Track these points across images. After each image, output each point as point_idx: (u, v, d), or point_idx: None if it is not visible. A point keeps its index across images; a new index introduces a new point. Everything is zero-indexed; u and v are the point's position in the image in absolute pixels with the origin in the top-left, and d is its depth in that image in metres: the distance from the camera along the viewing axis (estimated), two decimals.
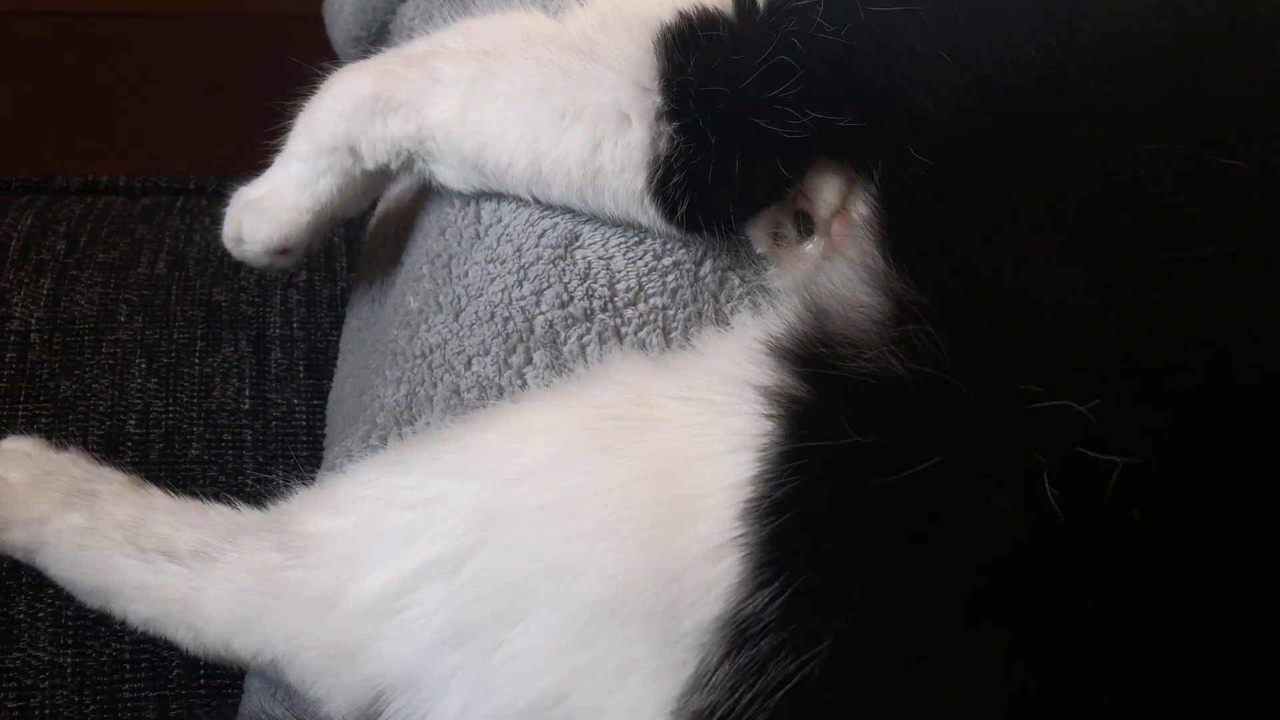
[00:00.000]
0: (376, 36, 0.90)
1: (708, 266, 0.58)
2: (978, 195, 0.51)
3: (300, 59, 0.66)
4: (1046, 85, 0.52)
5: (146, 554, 0.57)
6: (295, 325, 0.80)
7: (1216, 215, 0.46)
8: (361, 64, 0.63)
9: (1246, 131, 0.49)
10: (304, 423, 0.74)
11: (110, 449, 0.73)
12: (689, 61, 0.55)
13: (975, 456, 0.42)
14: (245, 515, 0.58)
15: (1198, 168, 0.47)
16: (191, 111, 1.51)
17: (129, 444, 0.72)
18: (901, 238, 0.51)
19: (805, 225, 0.57)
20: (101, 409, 0.75)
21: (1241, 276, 0.44)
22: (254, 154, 0.68)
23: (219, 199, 0.70)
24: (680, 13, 0.56)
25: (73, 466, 0.62)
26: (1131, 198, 0.48)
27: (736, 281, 0.58)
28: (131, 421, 0.73)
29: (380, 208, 0.76)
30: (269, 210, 0.65)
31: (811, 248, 0.56)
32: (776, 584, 0.44)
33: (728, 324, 0.56)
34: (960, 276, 0.49)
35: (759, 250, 0.58)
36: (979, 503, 0.41)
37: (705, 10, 0.56)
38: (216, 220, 0.69)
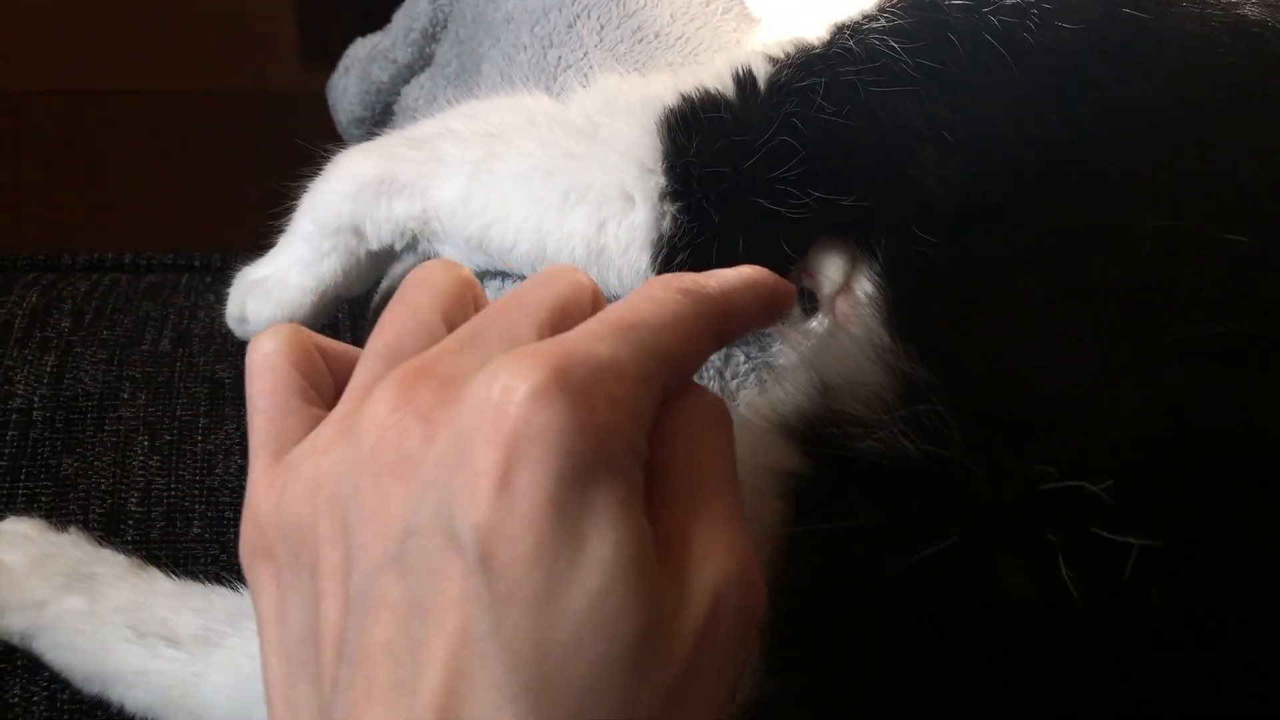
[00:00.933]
0: (380, 117, 0.91)
1: None
2: (984, 271, 0.51)
3: (307, 138, 0.66)
4: (1048, 162, 0.53)
5: (146, 639, 0.56)
6: None
7: (1225, 291, 0.46)
8: (366, 146, 0.64)
9: (1251, 207, 0.50)
10: None
11: (111, 528, 0.72)
12: (691, 143, 0.55)
13: (989, 538, 0.41)
14: (247, 599, 0.57)
15: (1203, 242, 0.47)
16: (198, 188, 1.53)
17: (130, 522, 0.72)
18: (907, 315, 0.52)
19: (810, 302, 0.57)
20: (103, 487, 0.74)
21: (1253, 353, 0.44)
22: (260, 232, 0.69)
23: (224, 276, 0.71)
24: (682, 95, 0.57)
25: (72, 549, 0.62)
26: (1138, 273, 0.49)
27: (742, 358, 0.58)
28: (133, 499, 0.73)
29: (384, 285, 0.77)
30: (273, 291, 0.66)
31: (817, 325, 0.57)
32: (786, 673, 0.43)
33: (734, 402, 0.56)
34: (968, 354, 0.49)
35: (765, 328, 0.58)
36: (994, 586, 0.41)
37: (707, 92, 0.57)
38: (221, 297, 0.70)
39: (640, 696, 0.32)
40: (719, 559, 0.35)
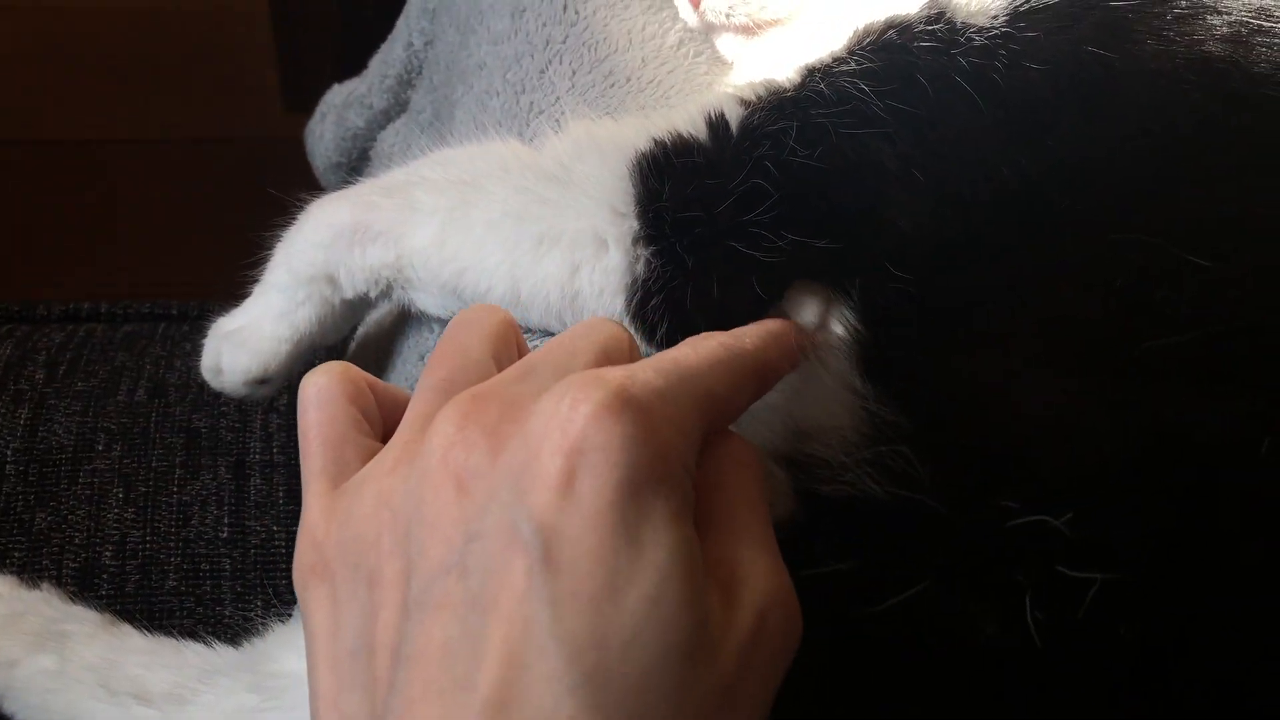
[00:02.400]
0: (356, 164, 0.92)
1: None
2: (955, 311, 0.52)
3: (288, 183, 0.66)
4: (1018, 201, 0.53)
5: (118, 696, 0.56)
6: (276, 450, 0.79)
7: (1196, 311, 0.47)
8: (340, 194, 0.64)
9: (1219, 239, 0.50)
10: (283, 549, 0.73)
11: (85, 583, 0.71)
12: (664, 187, 0.56)
13: (958, 582, 0.41)
14: (220, 654, 0.56)
15: (1175, 269, 0.48)
16: (178, 236, 1.53)
17: (105, 576, 0.71)
18: (878, 357, 0.52)
19: None
20: (77, 540, 0.73)
21: (1225, 370, 0.44)
22: (238, 280, 0.69)
23: (201, 325, 0.70)
24: (654, 139, 0.57)
25: (44, 606, 0.61)
26: (1108, 305, 0.49)
27: None
28: (108, 553, 0.72)
29: (360, 331, 0.76)
30: (248, 341, 0.65)
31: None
32: None
33: None
34: (937, 394, 0.49)
35: None
36: (967, 631, 0.40)
37: (680, 136, 0.57)
38: (198, 347, 0.69)
39: (689, 697, 0.33)
40: (763, 580, 0.37)
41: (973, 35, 0.56)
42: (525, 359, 0.42)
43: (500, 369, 0.42)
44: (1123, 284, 0.49)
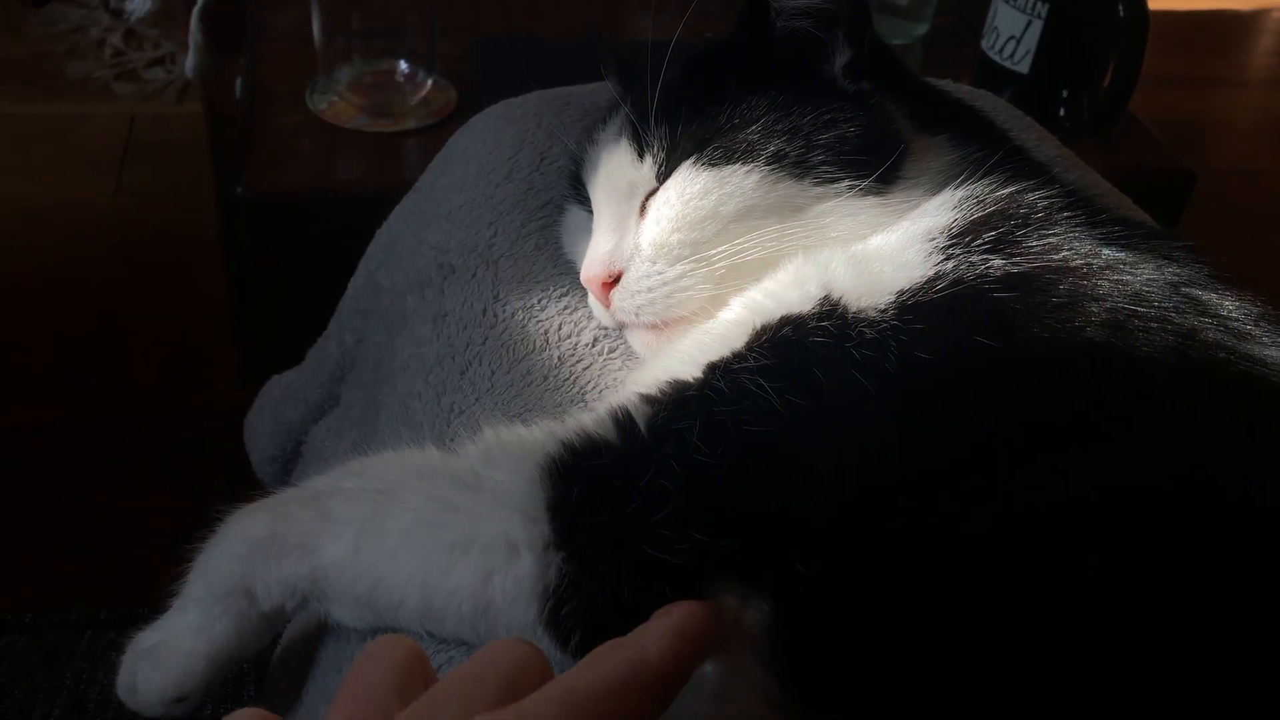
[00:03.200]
0: (291, 456, 0.92)
1: None
2: (859, 609, 0.52)
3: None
4: (913, 487, 0.54)
5: None
6: None
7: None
8: (258, 505, 0.64)
9: (1092, 515, 0.52)
10: None
11: None
12: (573, 491, 0.56)
13: None
14: None
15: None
16: (119, 529, 1.50)
17: None
18: (789, 654, 0.51)
19: None
20: None
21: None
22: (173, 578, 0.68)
23: (129, 632, 0.68)
24: (563, 443, 0.58)
25: None
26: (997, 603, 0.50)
27: None
28: None
29: (286, 635, 0.75)
30: (164, 659, 0.63)
31: (711, 666, 0.55)
32: None
33: None
34: (843, 693, 0.49)
35: None
36: None
37: (589, 438, 0.58)
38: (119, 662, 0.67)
39: None
40: None
41: (864, 329, 0.59)
42: (429, 693, 0.42)
43: (406, 703, 0.42)
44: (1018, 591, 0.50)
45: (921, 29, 1.68)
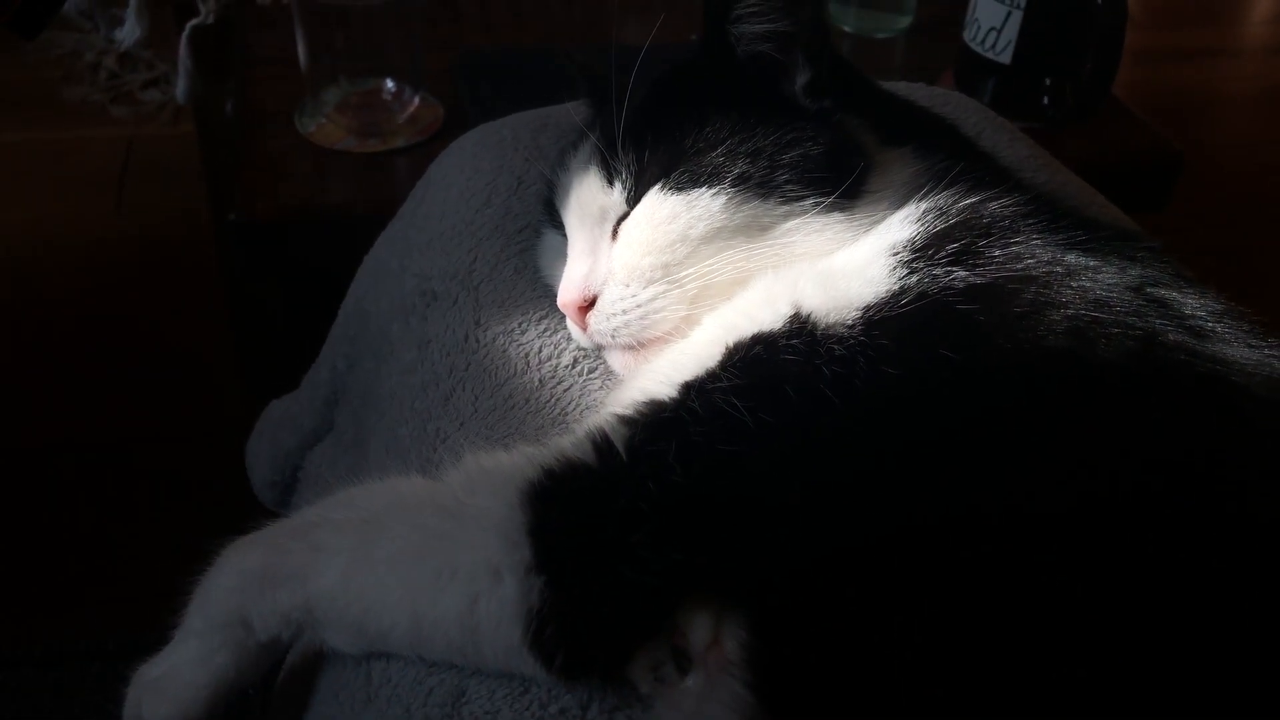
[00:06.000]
0: (290, 481, 0.94)
1: (594, 710, 0.58)
2: (832, 623, 0.53)
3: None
4: (891, 510, 0.55)
5: None
6: None
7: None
8: (252, 537, 0.66)
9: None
10: None
11: None
12: (551, 515, 0.58)
13: None
14: None
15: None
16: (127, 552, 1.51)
17: None
18: (768, 673, 0.53)
19: (684, 661, 0.58)
20: None
21: None
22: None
23: (137, 659, 0.70)
24: (543, 468, 0.60)
25: None
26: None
27: None
28: None
29: (288, 661, 0.76)
30: (167, 690, 0.65)
31: (692, 683, 0.57)
32: None
33: None
34: (818, 708, 0.50)
35: (643, 690, 0.59)
36: None
37: (569, 462, 0.60)
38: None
39: None
40: None
41: (833, 345, 0.60)
42: None
43: None
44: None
45: (904, 22, 1.69)
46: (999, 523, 0.54)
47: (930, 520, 0.55)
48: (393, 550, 0.60)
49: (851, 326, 0.60)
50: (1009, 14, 1.41)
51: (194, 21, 1.52)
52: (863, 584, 0.54)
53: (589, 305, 0.69)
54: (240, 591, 0.64)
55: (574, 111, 0.83)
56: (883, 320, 0.60)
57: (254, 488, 1.01)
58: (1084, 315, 0.59)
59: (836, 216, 0.67)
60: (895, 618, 0.53)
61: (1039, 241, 0.63)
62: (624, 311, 0.68)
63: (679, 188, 0.67)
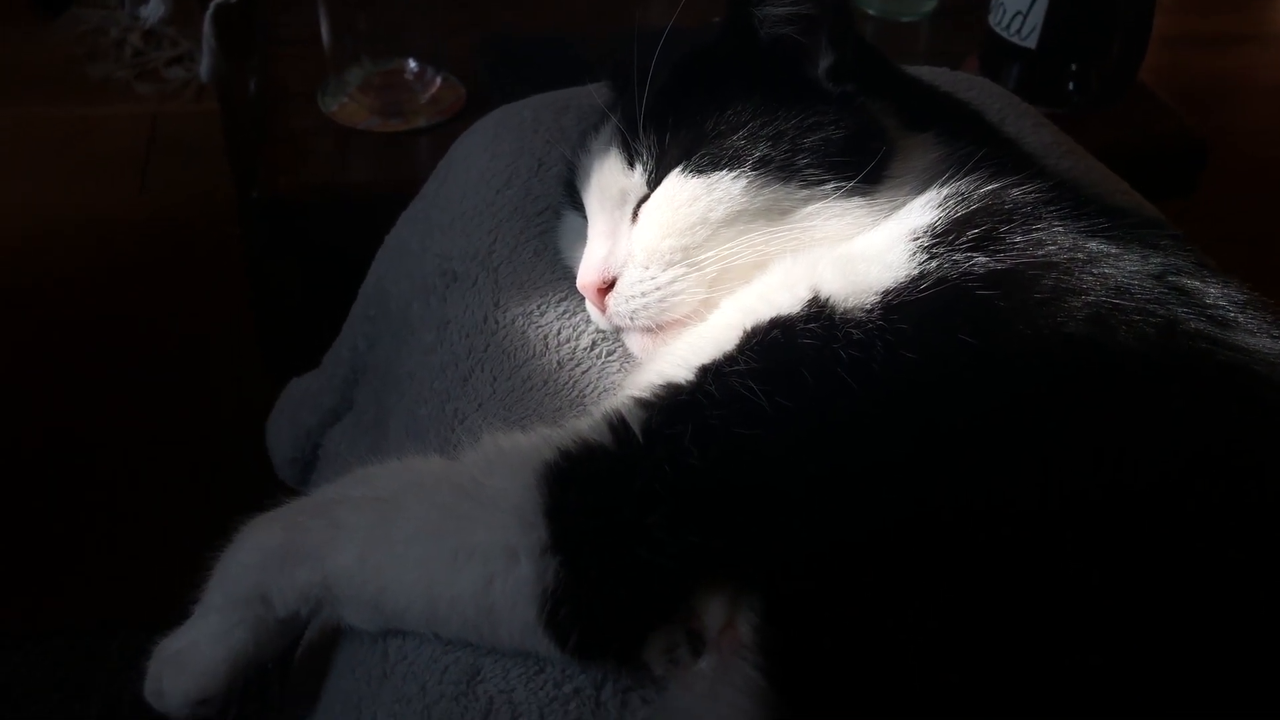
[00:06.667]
0: (310, 458, 0.95)
1: (608, 690, 0.59)
2: (846, 606, 0.53)
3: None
4: (907, 495, 0.55)
5: None
6: None
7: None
8: (271, 515, 0.66)
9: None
10: None
11: None
12: (568, 496, 0.58)
13: None
14: None
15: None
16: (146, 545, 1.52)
17: None
18: (781, 658, 0.53)
19: (698, 644, 0.58)
20: None
21: None
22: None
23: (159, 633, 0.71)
24: (560, 449, 0.60)
25: None
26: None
27: (638, 701, 0.59)
28: None
29: (306, 637, 0.77)
30: (187, 664, 0.66)
31: (706, 665, 0.57)
32: None
33: None
34: (832, 692, 0.50)
35: (656, 672, 0.59)
36: None
37: (585, 444, 0.60)
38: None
39: None
40: None
41: (851, 330, 0.60)
42: None
43: None
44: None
45: (929, 6, 1.68)
46: (1017, 510, 0.54)
47: (947, 507, 0.55)
48: (410, 530, 0.61)
49: (870, 311, 0.60)
50: None
51: (218, 0, 1.53)
52: (877, 569, 0.54)
53: (608, 287, 0.70)
54: (260, 568, 0.64)
55: (595, 93, 0.83)
56: (902, 305, 0.60)
57: (274, 465, 1.02)
58: (1105, 302, 0.59)
59: (857, 201, 0.67)
60: (910, 604, 0.53)
61: (1060, 228, 0.63)
62: (643, 294, 0.68)
63: (700, 170, 0.67)
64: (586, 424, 0.62)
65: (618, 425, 0.60)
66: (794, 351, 0.60)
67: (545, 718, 0.58)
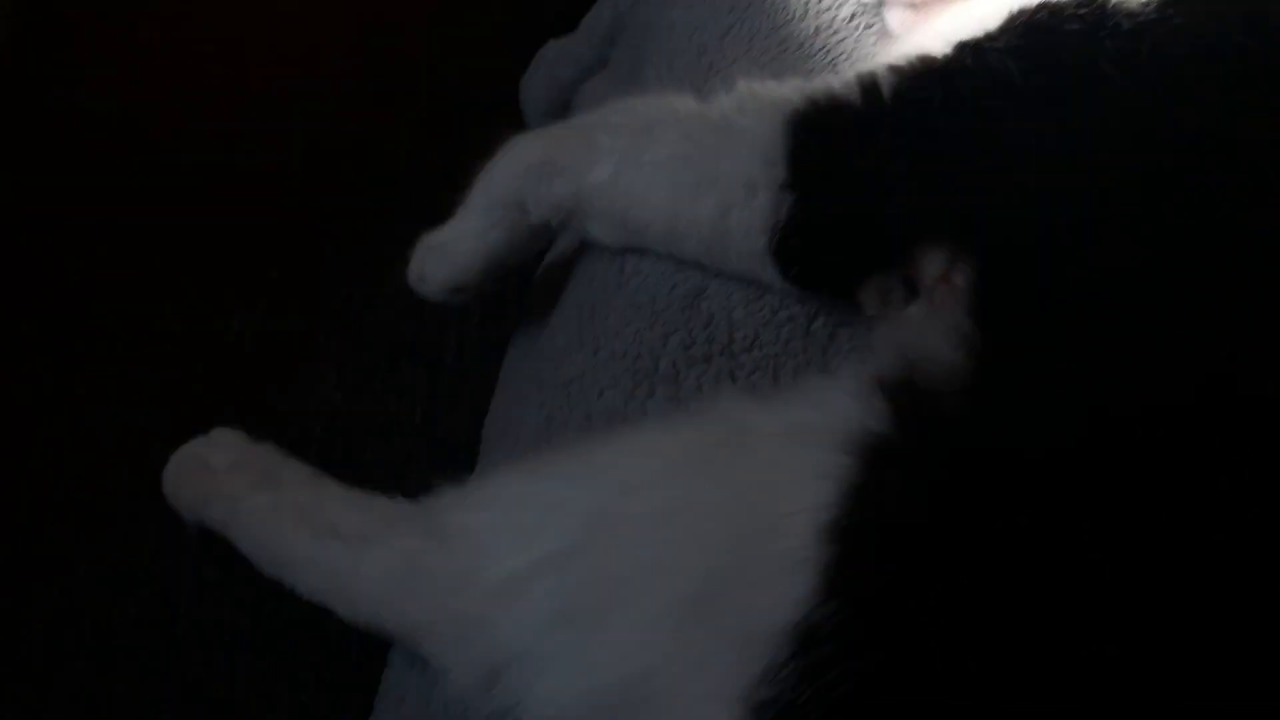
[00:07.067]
0: (560, 113, 1.01)
1: (820, 322, 0.65)
2: (1064, 294, 0.56)
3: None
4: (1147, 187, 0.56)
5: (318, 532, 0.67)
6: (466, 358, 0.90)
7: None
8: (535, 133, 0.73)
9: None
10: (464, 438, 0.83)
11: (298, 449, 0.83)
12: (812, 142, 0.62)
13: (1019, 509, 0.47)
14: (402, 506, 0.67)
15: None
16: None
17: (314, 445, 0.83)
18: (990, 309, 0.57)
19: (911, 289, 0.62)
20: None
21: None
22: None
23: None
24: (809, 98, 0.63)
25: (265, 456, 0.73)
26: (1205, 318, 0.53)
27: (845, 336, 0.64)
28: (319, 426, 0.85)
29: (546, 259, 0.86)
30: (448, 255, 0.75)
31: (915, 310, 0.62)
32: (839, 600, 0.49)
33: (830, 373, 0.62)
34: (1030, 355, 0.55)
35: (868, 311, 0.64)
36: (1022, 548, 0.47)
37: (834, 98, 0.63)
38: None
39: None
40: None
41: (1121, 20, 0.59)
42: None
43: None
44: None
45: None
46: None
47: (1183, 225, 0.55)
48: (661, 155, 0.66)
49: (1146, 3, 0.59)
50: None
51: None
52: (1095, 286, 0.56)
53: None
54: (520, 178, 0.71)
55: None
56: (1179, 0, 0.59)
57: (525, 116, 1.09)
58: None
59: None
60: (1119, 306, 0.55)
61: None
62: None
63: None
64: (838, 81, 0.65)
65: (869, 85, 0.63)
66: (1058, 35, 0.60)
67: (759, 335, 0.65)
